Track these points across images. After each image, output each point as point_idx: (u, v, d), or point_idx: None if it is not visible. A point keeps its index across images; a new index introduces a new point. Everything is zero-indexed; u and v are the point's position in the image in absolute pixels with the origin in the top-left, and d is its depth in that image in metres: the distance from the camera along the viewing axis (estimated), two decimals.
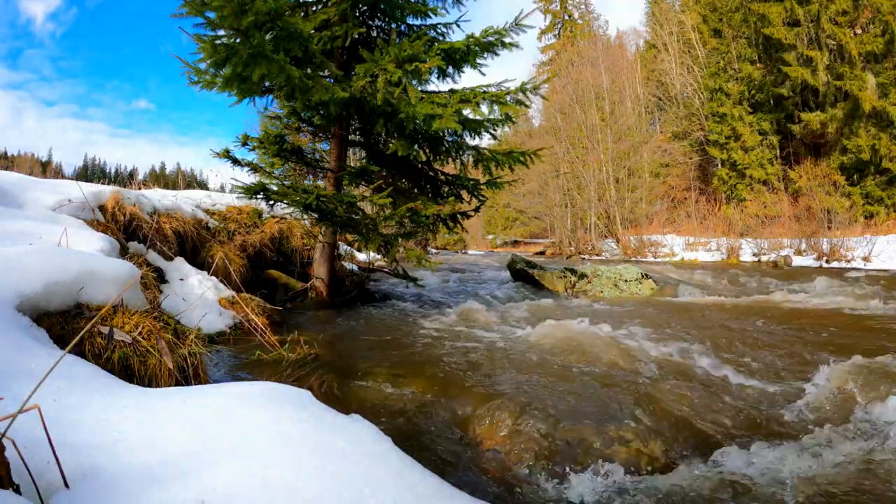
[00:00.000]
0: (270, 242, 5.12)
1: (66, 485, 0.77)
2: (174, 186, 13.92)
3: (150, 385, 1.63)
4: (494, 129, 4.44)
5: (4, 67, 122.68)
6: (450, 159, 5.00)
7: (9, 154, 67.71)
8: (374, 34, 4.72)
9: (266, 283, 4.80)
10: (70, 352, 1.33)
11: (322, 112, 4.50)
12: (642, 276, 6.33)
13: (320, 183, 5.93)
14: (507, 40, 4.21)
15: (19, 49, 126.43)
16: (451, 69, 4.45)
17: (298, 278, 5.01)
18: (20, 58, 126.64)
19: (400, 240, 4.48)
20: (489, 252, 28.75)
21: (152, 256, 3.38)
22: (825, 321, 3.92)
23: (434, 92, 4.35)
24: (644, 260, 16.90)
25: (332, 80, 3.98)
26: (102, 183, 4.63)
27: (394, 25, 4.63)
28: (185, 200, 4.84)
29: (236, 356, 2.65)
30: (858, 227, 14.31)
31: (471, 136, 4.55)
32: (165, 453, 0.89)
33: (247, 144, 4.67)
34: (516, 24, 4.16)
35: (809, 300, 5.23)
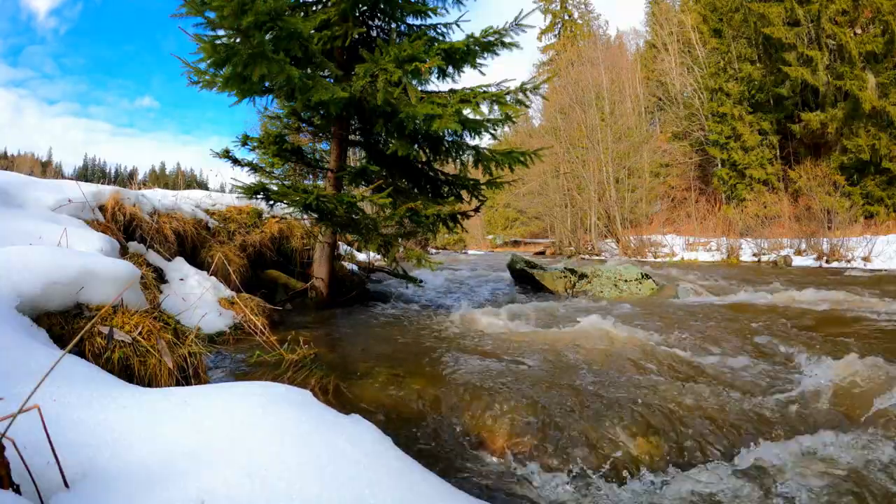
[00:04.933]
0: (270, 242, 5.12)
1: (66, 485, 0.77)
2: (174, 186, 13.92)
3: (150, 385, 1.63)
4: (494, 129, 4.44)
5: (5, 64, 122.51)
6: (450, 159, 4.99)
7: (9, 154, 67.73)
8: (374, 34, 4.71)
9: (266, 283, 4.80)
10: (70, 352, 1.33)
11: (322, 112, 4.50)
12: (642, 277, 6.33)
13: (320, 183, 5.93)
14: (507, 40, 4.21)
15: (21, 46, 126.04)
16: (451, 69, 4.44)
17: (298, 278, 5.01)
18: (21, 55, 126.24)
19: (400, 240, 4.49)
20: (489, 252, 28.74)
21: (152, 256, 3.38)
22: (825, 321, 3.92)
23: (434, 92, 4.35)
24: (644, 260, 16.89)
25: (332, 80, 3.98)
26: (102, 183, 4.63)
27: (394, 25, 4.63)
28: (185, 200, 4.84)
29: (236, 356, 2.65)
30: (858, 227, 14.30)
31: (471, 136, 4.55)
32: (165, 453, 0.89)
33: (247, 144, 4.67)
34: (516, 24, 4.15)
35: (809, 300, 5.23)
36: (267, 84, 3.96)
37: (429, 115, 3.70)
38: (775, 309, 4.66)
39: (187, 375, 1.79)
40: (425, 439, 1.85)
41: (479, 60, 4.34)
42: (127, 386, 1.22)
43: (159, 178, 67.85)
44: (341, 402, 2.09)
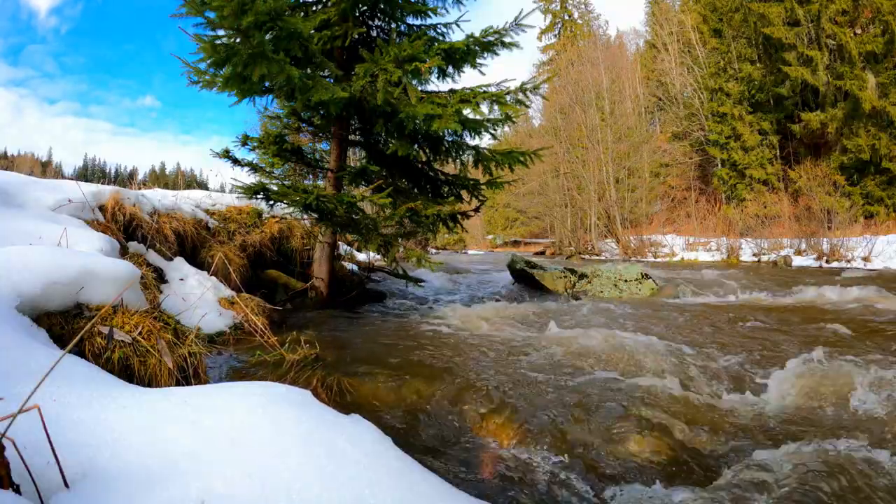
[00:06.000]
0: (270, 242, 5.12)
1: (66, 485, 0.77)
2: (174, 186, 13.92)
3: (150, 385, 1.63)
4: (494, 129, 4.44)
5: (6, 64, 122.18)
6: (450, 159, 4.99)
7: (9, 154, 67.76)
8: (374, 34, 4.71)
9: (266, 283, 4.79)
10: (70, 352, 1.33)
11: (322, 112, 4.50)
12: (642, 277, 6.33)
13: (320, 183, 5.94)
14: (507, 40, 4.21)
15: (21, 45, 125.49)
16: (451, 69, 4.44)
17: (298, 278, 5.01)
18: (22, 54, 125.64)
19: (400, 240, 4.49)
20: (489, 252, 28.75)
21: (152, 256, 3.37)
22: (825, 321, 3.92)
23: (434, 92, 4.35)
24: (644, 260, 16.90)
25: (332, 80, 3.98)
26: (102, 183, 4.63)
27: (394, 25, 4.62)
28: (185, 200, 4.84)
29: (236, 356, 2.65)
30: (858, 227, 14.30)
31: (471, 136, 4.55)
32: (165, 453, 0.89)
33: (247, 144, 4.67)
34: (516, 24, 4.16)
35: (809, 300, 5.23)
36: (267, 84, 3.96)
37: (429, 115, 3.70)
38: (775, 309, 4.66)
39: (187, 375, 1.79)
40: (425, 439, 1.85)
41: (479, 60, 4.34)
42: (127, 386, 1.22)
43: (159, 178, 67.87)
44: (342, 402, 2.09)
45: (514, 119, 4.44)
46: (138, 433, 0.95)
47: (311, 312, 4.34)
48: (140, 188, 5.86)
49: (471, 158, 4.78)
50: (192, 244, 4.30)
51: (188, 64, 3.65)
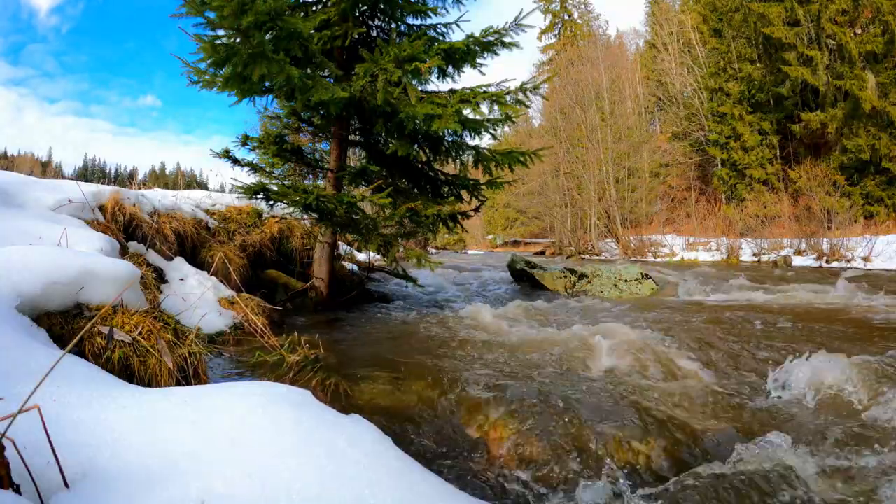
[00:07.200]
0: (270, 242, 5.12)
1: (66, 485, 0.77)
2: (174, 186, 13.93)
3: (150, 385, 1.63)
4: (494, 129, 4.44)
5: (6, 63, 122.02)
6: (450, 159, 4.99)
7: (9, 154, 67.75)
8: (374, 34, 4.72)
9: (266, 283, 4.79)
10: (70, 352, 1.33)
11: (322, 112, 4.50)
12: (642, 276, 6.33)
13: (320, 183, 5.94)
14: (506, 40, 4.21)
15: (21, 44, 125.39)
16: (451, 69, 4.45)
17: (298, 278, 5.01)
18: (22, 53, 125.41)
19: (400, 240, 4.49)
20: (489, 252, 28.75)
21: (152, 256, 3.37)
22: (824, 321, 3.92)
23: (434, 92, 4.35)
24: (644, 260, 16.90)
25: (332, 80, 3.98)
26: (102, 183, 4.63)
27: (394, 25, 4.63)
28: (185, 200, 4.84)
29: (236, 357, 2.65)
30: (858, 227, 14.30)
31: (471, 136, 4.55)
32: (165, 453, 0.89)
33: (247, 144, 4.67)
34: (516, 24, 4.16)
35: (808, 300, 5.22)
36: (267, 84, 3.96)
37: (429, 115, 3.70)
38: (775, 308, 4.66)
39: (187, 375, 1.79)
40: (425, 440, 1.85)
41: (478, 60, 4.35)
42: (127, 386, 1.22)
43: (159, 178, 67.89)
44: (342, 402, 2.09)
45: (514, 119, 4.44)
46: (138, 433, 0.95)
47: (311, 312, 4.34)
48: (140, 188, 5.87)
49: (471, 158, 4.78)
50: (192, 244, 4.30)
51: (188, 64, 3.66)
